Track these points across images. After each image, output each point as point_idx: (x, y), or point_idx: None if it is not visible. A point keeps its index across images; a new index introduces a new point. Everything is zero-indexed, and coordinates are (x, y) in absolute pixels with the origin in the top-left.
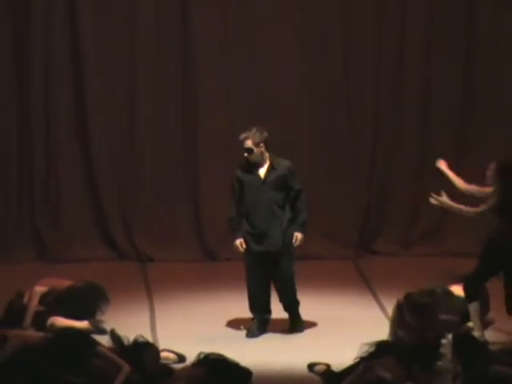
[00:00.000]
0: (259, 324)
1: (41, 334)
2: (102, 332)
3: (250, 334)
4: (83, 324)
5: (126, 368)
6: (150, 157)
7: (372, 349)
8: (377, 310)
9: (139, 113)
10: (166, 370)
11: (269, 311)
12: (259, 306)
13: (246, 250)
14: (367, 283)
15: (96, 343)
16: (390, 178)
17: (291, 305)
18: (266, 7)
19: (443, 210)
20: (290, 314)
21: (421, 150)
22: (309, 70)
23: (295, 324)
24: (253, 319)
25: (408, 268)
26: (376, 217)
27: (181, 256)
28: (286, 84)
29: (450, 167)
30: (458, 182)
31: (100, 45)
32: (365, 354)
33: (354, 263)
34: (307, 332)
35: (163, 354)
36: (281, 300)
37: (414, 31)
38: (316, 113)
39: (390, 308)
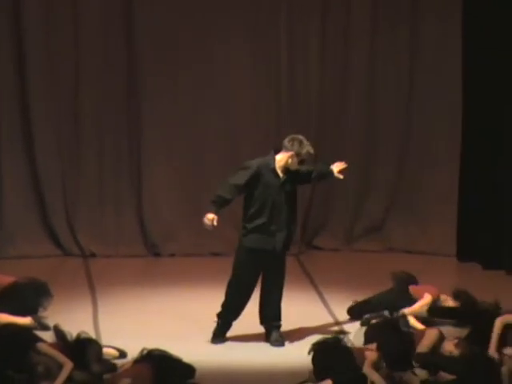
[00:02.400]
0: (222, 328)
1: None
2: (45, 328)
3: (217, 340)
4: (26, 320)
5: (69, 365)
6: (93, 153)
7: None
8: (320, 305)
9: (84, 110)
10: (109, 366)
11: (238, 316)
12: (233, 309)
13: (244, 247)
14: (310, 279)
15: (38, 339)
16: None
17: (274, 316)
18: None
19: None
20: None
21: (365, 146)
22: (256, 69)
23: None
24: (218, 319)
25: (351, 263)
26: (319, 212)
27: (124, 252)
28: (233, 83)
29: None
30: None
31: (44, 42)
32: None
33: (297, 259)
34: (251, 328)
35: (104, 350)
36: (263, 310)
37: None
38: (261, 109)
39: (333, 303)
